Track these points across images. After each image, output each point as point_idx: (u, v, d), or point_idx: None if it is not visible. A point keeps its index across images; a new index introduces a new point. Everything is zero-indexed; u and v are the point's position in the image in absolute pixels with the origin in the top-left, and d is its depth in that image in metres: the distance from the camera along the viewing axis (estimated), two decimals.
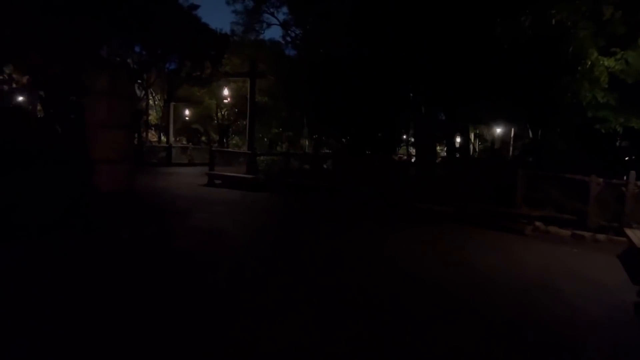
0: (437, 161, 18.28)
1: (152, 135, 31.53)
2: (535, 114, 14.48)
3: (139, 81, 26.79)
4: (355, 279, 5.58)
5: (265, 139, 35.95)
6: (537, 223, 10.30)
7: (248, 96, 16.56)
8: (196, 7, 29.19)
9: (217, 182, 15.96)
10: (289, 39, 24.32)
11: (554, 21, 9.17)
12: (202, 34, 28.80)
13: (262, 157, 18.10)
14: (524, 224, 10.25)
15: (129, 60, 26.53)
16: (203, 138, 32.66)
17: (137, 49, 25.70)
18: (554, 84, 10.49)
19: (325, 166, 17.86)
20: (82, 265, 5.45)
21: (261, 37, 26.23)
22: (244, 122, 20.75)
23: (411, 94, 15.38)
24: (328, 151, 20.02)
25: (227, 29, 28.89)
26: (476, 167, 16.09)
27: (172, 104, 26.18)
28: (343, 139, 17.32)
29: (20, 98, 19.46)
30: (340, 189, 13.96)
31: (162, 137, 30.22)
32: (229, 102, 27.48)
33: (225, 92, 18.57)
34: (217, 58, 25.71)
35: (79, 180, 7.04)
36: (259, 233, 8.45)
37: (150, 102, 30.83)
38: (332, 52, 15.99)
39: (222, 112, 30.20)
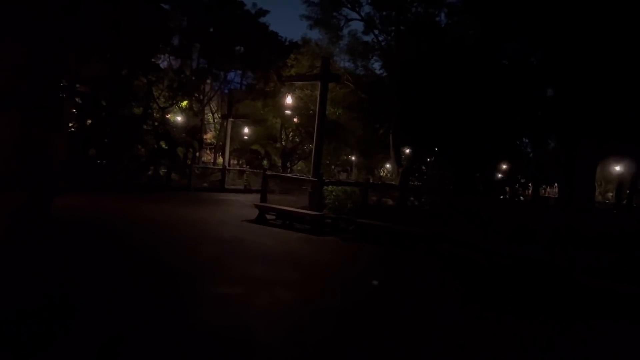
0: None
1: (207, 156, 28.43)
2: None
3: (195, 95, 23.72)
4: None
5: (333, 167, 31.63)
6: None
7: (317, 108, 12.25)
8: (265, 12, 26.10)
9: (270, 217, 11.78)
10: (372, 42, 19.87)
11: None
12: (269, 41, 25.54)
13: (330, 187, 13.53)
14: None
15: (187, 73, 23.77)
16: (264, 162, 28.97)
17: (194, 57, 22.79)
18: None
19: (417, 203, 13.00)
20: None
21: (340, 33, 21.31)
22: (311, 146, 16.67)
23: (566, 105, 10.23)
24: (418, 183, 15.07)
25: (297, 37, 25.09)
26: None
27: (230, 120, 22.59)
28: (449, 169, 12.30)
29: None
30: (453, 242, 9.15)
31: (219, 158, 26.88)
32: (295, 121, 23.70)
33: (289, 100, 14.50)
34: (283, 67, 21.96)
35: None
36: None
37: (209, 119, 27.91)
38: (436, 47, 11.32)
39: (287, 133, 26.44)
